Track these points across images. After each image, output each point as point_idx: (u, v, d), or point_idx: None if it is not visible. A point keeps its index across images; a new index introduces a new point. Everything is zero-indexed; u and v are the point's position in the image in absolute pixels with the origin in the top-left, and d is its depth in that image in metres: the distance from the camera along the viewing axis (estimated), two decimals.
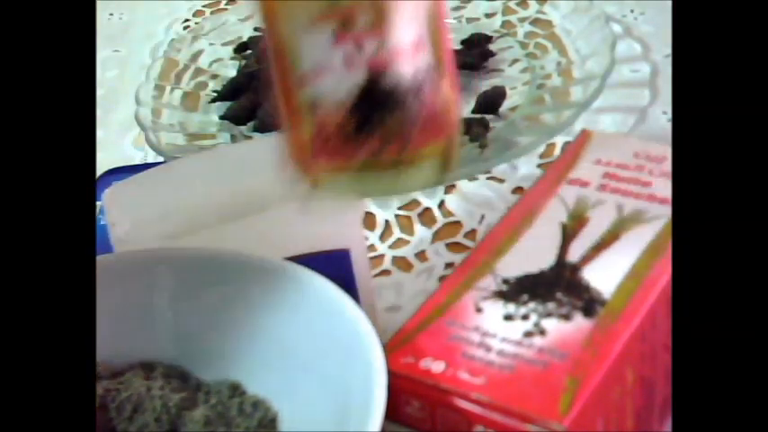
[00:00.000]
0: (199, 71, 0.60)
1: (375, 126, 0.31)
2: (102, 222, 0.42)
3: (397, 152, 0.31)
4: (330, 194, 0.33)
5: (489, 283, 0.32)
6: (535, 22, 0.61)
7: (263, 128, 0.53)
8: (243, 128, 0.54)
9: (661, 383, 0.32)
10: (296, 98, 0.32)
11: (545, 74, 0.56)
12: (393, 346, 0.30)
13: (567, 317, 0.30)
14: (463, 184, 0.49)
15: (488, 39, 0.59)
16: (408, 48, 0.31)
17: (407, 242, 0.46)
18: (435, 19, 0.32)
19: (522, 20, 0.62)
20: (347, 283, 0.34)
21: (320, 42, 0.31)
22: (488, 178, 0.49)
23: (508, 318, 0.30)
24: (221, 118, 0.55)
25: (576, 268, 0.32)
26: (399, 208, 0.48)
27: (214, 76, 0.59)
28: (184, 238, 0.34)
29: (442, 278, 0.43)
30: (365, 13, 0.31)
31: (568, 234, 0.33)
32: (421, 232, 0.46)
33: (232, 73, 0.59)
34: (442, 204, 0.48)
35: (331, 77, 0.31)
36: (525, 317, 0.30)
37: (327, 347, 0.31)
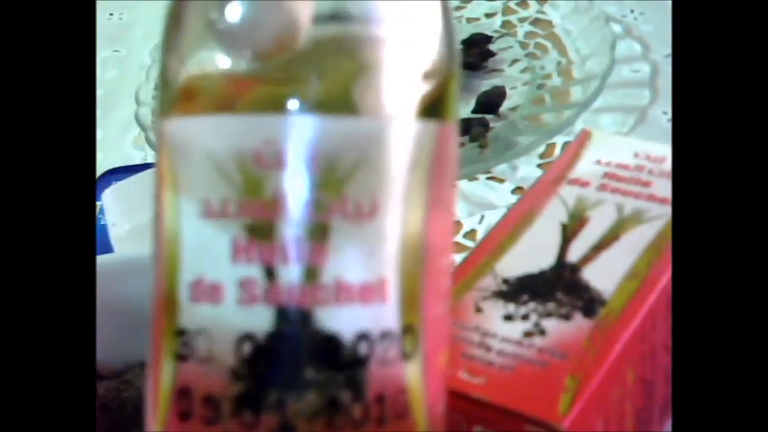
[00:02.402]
0: None
1: (271, 406, 0.20)
2: (102, 222, 0.42)
3: None
4: None
5: (489, 283, 0.32)
6: (535, 22, 0.61)
7: None
8: None
9: (661, 384, 0.32)
10: (164, 326, 0.22)
11: (545, 74, 0.56)
12: None
13: (567, 317, 0.30)
14: (463, 184, 0.49)
15: (488, 39, 0.59)
16: (355, 288, 0.20)
17: None
18: (417, 259, 0.21)
19: (522, 20, 0.62)
20: None
21: (212, 249, 0.21)
22: (488, 178, 0.49)
23: (508, 318, 0.30)
24: None
25: (575, 268, 0.32)
26: None
27: None
28: None
29: None
30: (290, 214, 0.20)
31: (568, 234, 0.33)
32: None
33: None
34: None
35: (218, 309, 0.20)
36: (525, 317, 0.30)
37: None
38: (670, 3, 0.52)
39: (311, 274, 0.20)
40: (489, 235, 0.34)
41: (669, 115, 0.53)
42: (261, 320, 0.20)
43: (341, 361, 0.20)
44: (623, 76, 0.56)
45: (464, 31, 0.60)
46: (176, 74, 0.22)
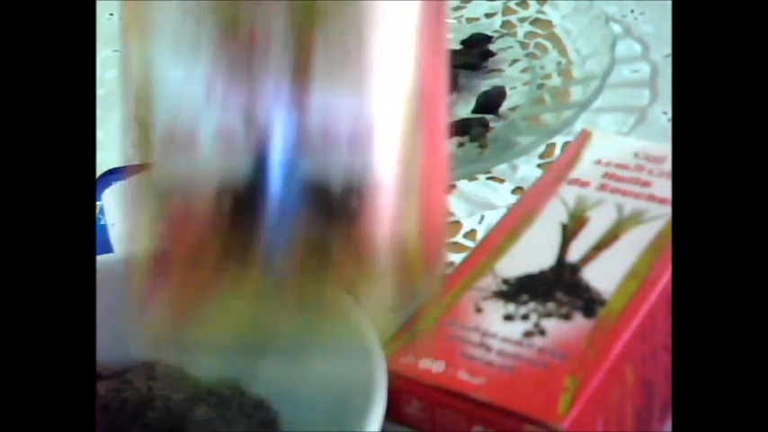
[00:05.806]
0: None
1: (256, 260, 0.18)
2: (102, 222, 0.42)
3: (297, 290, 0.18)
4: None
5: (489, 283, 0.32)
6: (535, 22, 0.61)
7: None
8: None
9: (661, 384, 0.32)
10: (144, 175, 0.20)
11: (545, 74, 0.56)
12: (393, 345, 0.30)
13: (567, 317, 0.30)
14: (463, 184, 0.49)
15: (488, 39, 0.59)
16: (343, 131, 0.18)
17: None
18: (417, 96, 0.18)
19: (522, 20, 0.62)
20: None
21: (191, 86, 0.18)
22: (488, 178, 0.49)
23: (508, 318, 0.30)
24: None
25: (575, 268, 0.32)
26: None
27: None
28: None
29: None
30: (280, 42, 0.17)
31: (568, 234, 0.33)
32: None
33: None
34: None
35: (198, 153, 0.18)
36: (525, 317, 0.30)
37: (328, 347, 0.31)
38: (670, 3, 0.52)
39: (301, 111, 0.18)
40: (489, 235, 0.34)
41: (669, 115, 0.53)
42: (241, 170, 0.18)
43: (330, 211, 0.18)
44: (623, 76, 0.56)
45: (464, 31, 0.60)
46: None
